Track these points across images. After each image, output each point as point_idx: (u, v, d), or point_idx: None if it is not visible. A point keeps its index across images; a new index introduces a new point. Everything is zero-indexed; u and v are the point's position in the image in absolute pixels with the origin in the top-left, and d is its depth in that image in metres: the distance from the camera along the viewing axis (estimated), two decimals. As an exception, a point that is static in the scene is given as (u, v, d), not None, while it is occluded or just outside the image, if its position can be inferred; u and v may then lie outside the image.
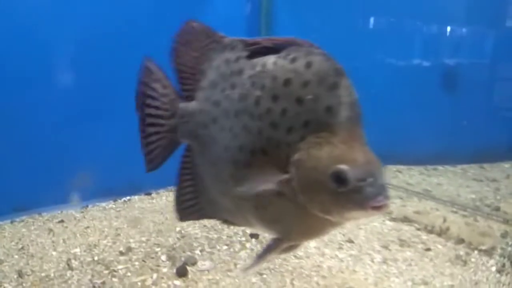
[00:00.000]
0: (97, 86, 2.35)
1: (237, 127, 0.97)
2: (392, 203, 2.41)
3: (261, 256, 1.00)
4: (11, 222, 2.16)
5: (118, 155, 2.46)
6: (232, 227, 2.04)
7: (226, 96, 1.01)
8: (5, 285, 1.57)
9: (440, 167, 3.04)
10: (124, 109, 2.37)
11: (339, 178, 0.81)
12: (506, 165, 3.08)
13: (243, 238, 1.96)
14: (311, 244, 1.90)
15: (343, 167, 0.81)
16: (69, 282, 1.60)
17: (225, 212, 1.10)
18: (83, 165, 2.38)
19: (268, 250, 0.99)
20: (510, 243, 1.97)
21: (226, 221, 1.15)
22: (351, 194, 0.80)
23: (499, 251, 1.89)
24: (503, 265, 1.78)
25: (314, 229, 0.95)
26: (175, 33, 1.16)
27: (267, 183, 0.90)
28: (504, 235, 2.03)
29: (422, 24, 3.10)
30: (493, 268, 1.75)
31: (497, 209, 2.31)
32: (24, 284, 1.58)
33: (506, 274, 1.72)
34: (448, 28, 3.11)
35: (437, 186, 2.64)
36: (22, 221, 2.19)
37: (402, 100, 2.97)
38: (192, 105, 1.10)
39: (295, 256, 1.80)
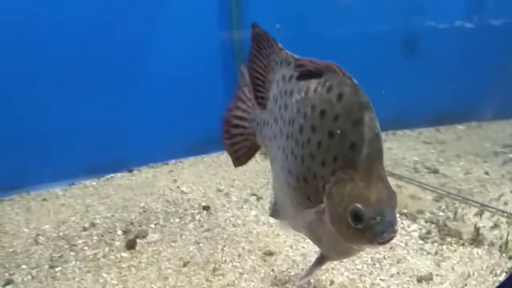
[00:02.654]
0: (81, 65, 2.35)
1: (287, 150, 0.95)
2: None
3: (310, 271, 1.08)
4: (0, 201, 2.26)
5: (103, 134, 2.52)
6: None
7: (281, 115, 0.99)
8: (-24, 261, 1.67)
9: (399, 132, 2.98)
10: (111, 89, 2.46)
11: (356, 216, 0.83)
12: (461, 127, 3.00)
13: (196, 211, 2.01)
14: (251, 213, 1.95)
15: (359, 207, 0.82)
16: (31, 256, 1.68)
17: (290, 220, 1.11)
18: (70, 145, 2.44)
19: (315, 265, 1.07)
20: (443, 207, 1.91)
21: (293, 228, 1.15)
22: (364, 230, 0.83)
23: (427, 215, 1.84)
24: (428, 232, 1.72)
25: (345, 252, 0.99)
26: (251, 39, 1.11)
27: (308, 211, 0.93)
28: (437, 199, 1.98)
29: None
30: (415, 234, 1.71)
31: (436, 171, 2.26)
32: (-8, 260, 1.67)
33: (432, 243, 1.65)
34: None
35: (387, 150, 2.59)
36: (11, 199, 2.28)
37: (363, 65, 2.91)
38: (264, 114, 1.09)
39: (233, 225, 1.84)
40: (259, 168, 2.52)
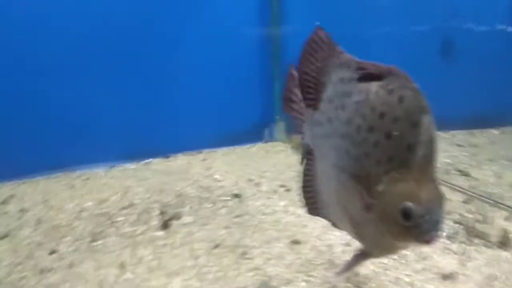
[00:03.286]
0: (124, 53, 2.46)
1: (341, 149, 0.97)
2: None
3: (349, 265, 1.11)
4: (47, 178, 2.39)
5: (143, 120, 2.62)
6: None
7: (337, 115, 1.00)
8: (25, 228, 1.79)
9: (432, 134, 2.93)
10: (152, 80, 2.56)
11: (406, 214, 0.85)
12: (496, 131, 2.91)
13: (228, 198, 2.06)
14: (280, 203, 1.98)
15: (410, 205, 0.84)
16: (75, 229, 1.78)
17: (334, 217, 1.15)
18: (112, 129, 2.57)
19: (356, 261, 1.09)
20: (472, 210, 1.88)
21: (335, 225, 1.18)
22: (412, 228, 0.85)
23: (456, 216, 1.82)
24: (456, 233, 1.70)
25: (389, 249, 1.02)
26: (305, 40, 1.12)
27: (356, 208, 0.95)
28: (467, 201, 1.95)
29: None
30: (443, 233, 1.68)
31: (467, 174, 2.22)
32: (38, 230, 1.78)
33: (459, 243, 1.63)
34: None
35: None
36: (57, 177, 2.41)
37: (399, 65, 2.86)
38: (315, 114, 1.11)
39: (262, 213, 1.88)
40: (290, 161, 2.55)
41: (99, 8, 2.38)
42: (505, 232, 1.68)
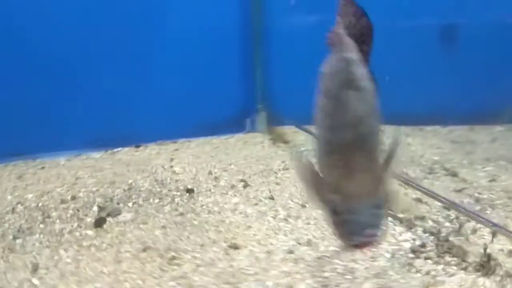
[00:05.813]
0: (94, 40, 2.35)
1: None
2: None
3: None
4: (5, 166, 2.28)
5: (117, 107, 2.51)
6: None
7: None
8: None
9: (428, 128, 2.66)
10: (128, 64, 2.43)
11: (331, 208, 0.77)
12: (499, 128, 2.60)
13: (178, 193, 1.90)
14: (233, 200, 1.81)
15: (335, 198, 0.75)
16: (3, 225, 1.67)
17: None
18: (84, 116, 2.44)
19: None
20: (452, 216, 1.57)
21: None
22: (339, 225, 0.76)
23: (429, 223, 1.54)
24: (423, 245, 1.41)
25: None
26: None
27: None
28: (448, 207, 1.63)
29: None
30: (406, 245, 1.42)
31: (454, 174, 1.96)
32: (-31, 223, 1.66)
33: (425, 259, 1.33)
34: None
35: (405, 147, 2.27)
36: (15, 165, 2.30)
37: (397, 57, 2.59)
38: None
39: (208, 211, 1.72)
40: (263, 154, 2.38)
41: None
42: (486, 252, 1.31)
